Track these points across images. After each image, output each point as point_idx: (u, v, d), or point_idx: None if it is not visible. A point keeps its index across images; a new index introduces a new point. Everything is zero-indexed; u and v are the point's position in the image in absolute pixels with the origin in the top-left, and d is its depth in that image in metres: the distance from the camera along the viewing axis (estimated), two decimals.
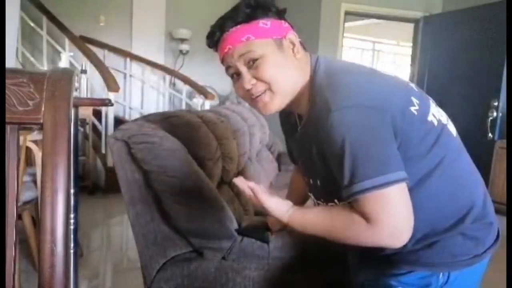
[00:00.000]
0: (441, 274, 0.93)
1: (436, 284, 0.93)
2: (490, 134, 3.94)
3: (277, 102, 0.94)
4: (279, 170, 3.44)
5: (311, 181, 1.03)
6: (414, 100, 0.90)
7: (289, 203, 0.96)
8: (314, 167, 0.97)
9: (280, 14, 0.95)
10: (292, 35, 0.94)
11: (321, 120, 0.84)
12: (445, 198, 0.91)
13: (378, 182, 0.80)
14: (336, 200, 0.95)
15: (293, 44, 0.93)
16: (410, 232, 0.83)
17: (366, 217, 0.82)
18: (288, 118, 1.10)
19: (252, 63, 0.92)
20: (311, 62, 0.96)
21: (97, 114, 4.13)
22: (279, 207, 0.94)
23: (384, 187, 0.80)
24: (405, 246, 0.86)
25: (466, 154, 0.99)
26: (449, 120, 1.00)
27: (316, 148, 0.91)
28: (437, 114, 0.95)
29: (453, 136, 0.97)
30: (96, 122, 4.19)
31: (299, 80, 0.94)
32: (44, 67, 4.50)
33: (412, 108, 0.88)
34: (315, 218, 0.93)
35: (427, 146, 0.89)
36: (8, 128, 0.64)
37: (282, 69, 0.91)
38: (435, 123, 0.92)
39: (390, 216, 0.82)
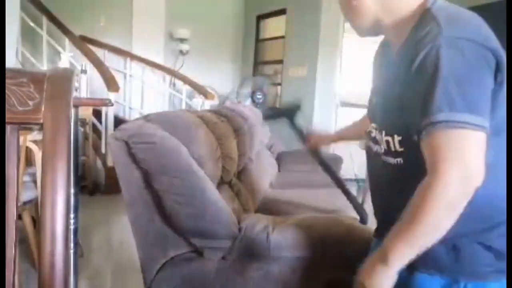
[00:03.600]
0: (461, 284, 0.84)
1: None
2: None
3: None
4: (279, 170, 3.44)
5: (378, 116, 0.98)
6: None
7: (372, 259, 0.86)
8: (389, 93, 0.91)
9: None
10: None
11: (426, 41, 0.78)
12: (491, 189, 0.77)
13: (462, 118, 0.73)
14: (395, 135, 0.87)
15: None
16: (481, 176, 0.73)
17: (434, 156, 0.75)
18: (382, 50, 1.09)
19: None
20: None
21: (97, 114, 4.12)
22: (374, 268, 0.84)
23: (465, 127, 0.73)
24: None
25: None
26: None
27: (405, 71, 0.83)
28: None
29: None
30: (96, 122, 4.19)
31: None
32: (44, 67, 4.50)
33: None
34: (397, 229, 0.81)
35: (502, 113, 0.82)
36: (8, 128, 0.64)
37: None
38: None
39: (460, 158, 0.74)
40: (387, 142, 0.90)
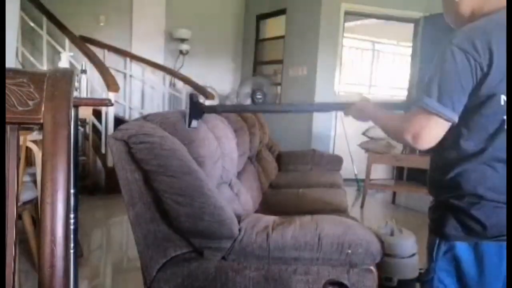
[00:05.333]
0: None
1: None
2: None
3: None
4: (279, 170, 3.44)
5: None
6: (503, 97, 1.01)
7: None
8: None
9: None
10: None
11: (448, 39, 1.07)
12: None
13: (430, 105, 1.01)
14: None
15: None
16: (427, 146, 1.04)
17: (407, 121, 1.06)
18: None
19: None
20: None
21: (97, 114, 4.13)
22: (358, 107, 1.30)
23: (434, 114, 1.00)
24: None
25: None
26: None
27: None
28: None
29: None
30: (96, 122, 4.19)
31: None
32: (44, 67, 4.50)
33: (503, 96, 1.00)
34: (385, 115, 1.24)
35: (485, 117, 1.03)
36: (8, 128, 0.64)
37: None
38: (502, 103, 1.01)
39: (422, 131, 1.02)
40: None
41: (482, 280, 1.08)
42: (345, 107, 1.34)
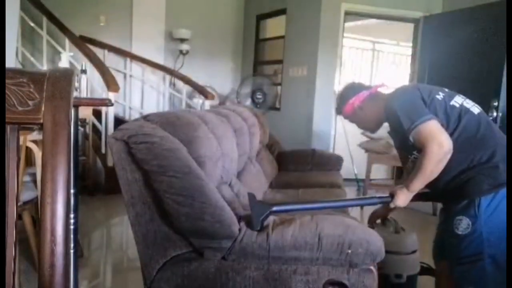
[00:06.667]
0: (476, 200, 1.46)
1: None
2: None
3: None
4: (279, 170, 3.44)
5: (402, 150, 1.74)
6: (439, 94, 1.58)
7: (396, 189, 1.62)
8: (399, 142, 1.71)
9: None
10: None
11: (386, 112, 1.64)
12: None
13: (421, 120, 1.46)
14: (414, 152, 1.58)
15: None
16: (448, 142, 1.43)
17: (422, 142, 1.45)
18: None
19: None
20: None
21: (97, 114, 4.12)
22: (399, 195, 1.59)
23: (424, 122, 1.45)
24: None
25: (484, 124, 1.54)
26: (475, 105, 1.59)
27: (392, 130, 1.70)
28: (460, 101, 1.57)
29: (474, 113, 1.55)
30: (96, 122, 4.19)
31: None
32: (44, 67, 4.50)
33: (437, 96, 1.57)
34: (413, 174, 1.53)
35: (452, 117, 1.53)
36: (8, 128, 0.64)
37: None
38: (457, 105, 1.55)
39: (434, 135, 1.44)
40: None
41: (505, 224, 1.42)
42: (390, 200, 1.62)
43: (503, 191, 1.45)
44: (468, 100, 1.60)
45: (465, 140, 1.50)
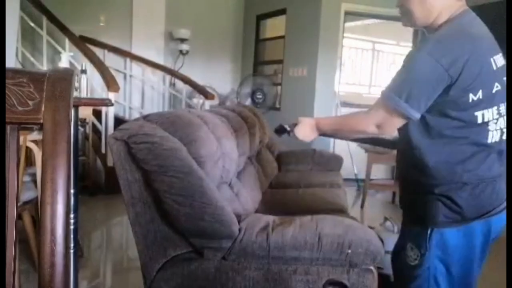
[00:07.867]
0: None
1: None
2: None
3: None
4: (279, 170, 3.44)
5: None
6: (479, 92, 1.11)
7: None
8: None
9: None
10: None
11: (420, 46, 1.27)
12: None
13: (399, 105, 1.12)
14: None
15: None
16: (381, 132, 1.21)
17: (375, 107, 1.20)
18: None
19: None
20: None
21: (97, 114, 4.12)
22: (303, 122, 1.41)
23: (398, 110, 1.13)
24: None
25: (494, 158, 1.18)
26: (503, 132, 1.18)
27: None
28: (487, 116, 1.14)
29: (487, 139, 1.16)
30: (96, 122, 4.19)
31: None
32: (44, 67, 4.50)
33: (471, 94, 1.11)
34: (334, 118, 1.43)
35: (458, 124, 1.14)
36: (8, 128, 0.64)
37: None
38: (479, 120, 1.13)
39: (388, 120, 1.17)
40: None
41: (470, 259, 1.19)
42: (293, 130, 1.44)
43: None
44: (500, 118, 1.18)
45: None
